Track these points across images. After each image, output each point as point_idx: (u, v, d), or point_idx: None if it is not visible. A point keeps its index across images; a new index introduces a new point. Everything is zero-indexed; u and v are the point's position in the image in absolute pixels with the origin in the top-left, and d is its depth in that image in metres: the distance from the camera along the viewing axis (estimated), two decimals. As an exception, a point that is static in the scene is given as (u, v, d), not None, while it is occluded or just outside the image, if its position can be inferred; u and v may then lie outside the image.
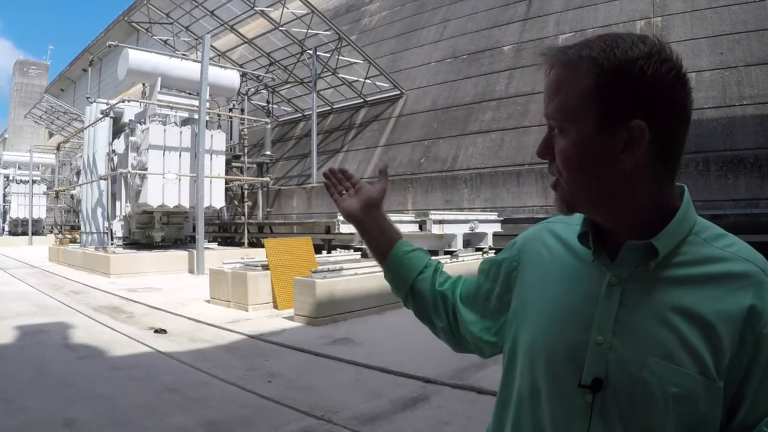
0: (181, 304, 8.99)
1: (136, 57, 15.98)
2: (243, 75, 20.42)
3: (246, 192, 20.10)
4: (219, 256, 13.65)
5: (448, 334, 1.18)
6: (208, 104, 15.68)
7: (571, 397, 0.87)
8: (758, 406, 0.82)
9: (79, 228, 20.88)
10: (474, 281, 1.16)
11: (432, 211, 11.48)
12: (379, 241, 1.24)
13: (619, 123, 0.83)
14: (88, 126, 18.16)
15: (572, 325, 0.90)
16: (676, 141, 0.86)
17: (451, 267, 9.58)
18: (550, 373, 0.91)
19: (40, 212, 35.11)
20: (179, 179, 15.43)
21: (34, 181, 33.51)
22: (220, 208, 18.53)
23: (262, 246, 9.76)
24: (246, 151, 20.49)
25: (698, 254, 0.87)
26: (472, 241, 11.46)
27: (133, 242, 16.64)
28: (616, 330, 0.86)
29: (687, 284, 0.85)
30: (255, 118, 20.94)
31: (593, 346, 0.87)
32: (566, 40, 14.34)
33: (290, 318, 7.62)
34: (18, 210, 34.74)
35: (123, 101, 17.43)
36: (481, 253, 11.25)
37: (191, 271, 14.28)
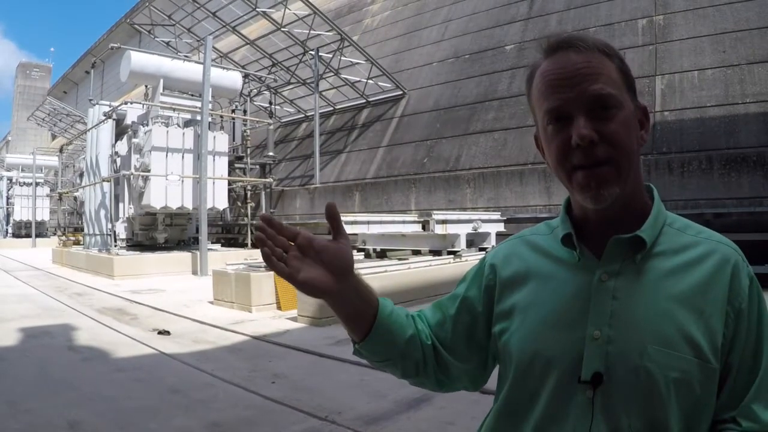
0: (184, 306, 9.00)
1: (139, 59, 16.01)
2: (245, 76, 20.44)
3: (249, 193, 20.12)
4: (222, 258, 13.68)
5: (433, 384, 1.09)
6: (210, 105, 15.71)
7: (571, 395, 0.88)
8: (741, 377, 0.87)
9: (82, 230, 20.91)
10: (443, 320, 1.07)
11: (435, 211, 11.48)
12: (360, 313, 0.97)
13: (636, 104, 0.92)
14: (91, 128, 18.20)
15: (566, 325, 0.91)
16: None
17: (454, 267, 9.58)
18: (548, 374, 0.91)
19: (43, 214, 35.25)
20: (182, 181, 15.44)
21: (37, 184, 33.64)
22: (223, 210, 18.54)
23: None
24: (249, 152, 20.50)
25: (676, 243, 0.92)
26: (475, 241, 11.45)
27: (136, 244, 16.66)
28: (612, 323, 0.88)
29: (673, 273, 0.89)
30: (257, 119, 20.97)
31: (590, 342, 0.88)
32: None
33: (294, 319, 7.62)
34: (21, 212, 34.88)
35: (125, 103, 17.46)
36: (484, 252, 11.24)
37: (194, 273, 14.29)
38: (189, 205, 15.59)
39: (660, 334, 0.85)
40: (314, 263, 0.89)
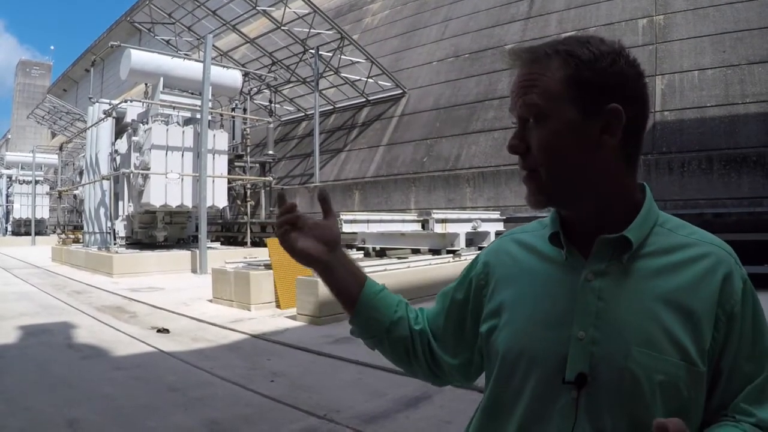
0: (183, 304, 9.00)
1: (139, 57, 15.99)
2: (245, 74, 20.41)
3: (248, 191, 20.11)
4: (222, 256, 13.66)
5: (427, 373, 1.14)
6: (210, 104, 15.70)
7: (555, 395, 0.88)
8: (733, 380, 0.87)
9: (81, 228, 20.90)
10: (439, 312, 1.13)
11: (435, 211, 11.47)
12: (348, 285, 1.09)
13: (597, 108, 0.87)
14: (91, 126, 18.18)
15: (551, 324, 0.91)
16: (639, 134, 0.92)
17: (453, 266, 9.58)
18: (532, 374, 0.92)
19: (43, 212, 35.19)
20: (182, 179, 15.44)
21: (37, 182, 33.59)
22: (223, 208, 18.53)
23: (265, 245, 9.77)
24: (248, 150, 20.51)
25: (666, 243, 0.91)
26: (474, 240, 11.45)
27: (135, 242, 16.65)
28: (597, 324, 0.88)
29: (661, 273, 0.88)
30: (257, 118, 20.96)
31: (575, 342, 0.88)
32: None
33: (293, 317, 7.62)
34: (21, 210, 34.84)
35: (125, 101, 17.45)
36: (483, 252, 11.22)
37: (194, 271, 14.29)
38: (188, 203, 15.59)
39: (645, 335, 0.84)
40: (307, 237, 1.04)
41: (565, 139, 0.88)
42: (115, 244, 15.84)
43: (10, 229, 36.12)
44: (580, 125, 0.88)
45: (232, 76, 18.23)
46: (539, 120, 0.89)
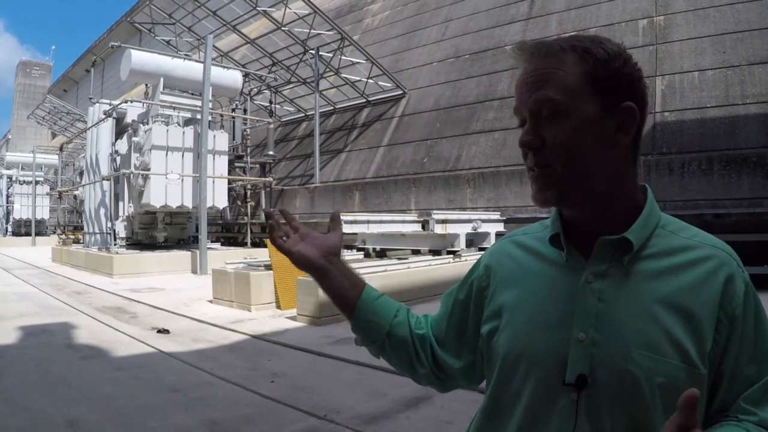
0: (184, 305, 9.00)
1: (139, 57, 16.00)
2: (245, 75, 20.42)
3: (249, 192, 20.12)
4: (222, 257, 13.66)
5: (432, 379, 1.14)
6: (210, 104, 15.69)
7: (555, 396, 0.88)
8: (735, 383, 0.86)
9: (82, 228, 20.90)
10: (442, 316, 1.13)
11: (435, 211, 11.48)
12: (346, 290, 1.10)
13: (613, 106, 0.87)
14: (91, 126, 18.19)
15: (552, 325, 0.91)
16: (640, 135, 0.92)
17: (453, 266, 9.58)
18: (532, 375, 0.91)
19: (43, 213, 35.25)
20: (182, 179, 15.44)
21: (37, 182, 33.62)
22: (223, 209, 18.53)
23: (265, 246, 9.76)
24: (249, 151, 20.51)
25: (667, 245, 0.90)
26: (474, 241, 11.45)
27: (136, 242, 16.66)
28: (597, 326, 0.87)
29: (662, 275, 0.88)
30: (258, 118, 20.95)
31: (575, 344, 0.87)
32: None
33: (293, 318, 7.62)
34: (21, 211, 34.89)
35: (126, 102, 17.46)
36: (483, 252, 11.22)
37: (194, 272, 14.29)
38: (189, 203, 15.59)
39: (645, 337, 0.84)
40: (308, 244, 1.11)
41: (584, 136, 0.87)
42: (115, 244, 15.84)
43: (10, 229, 36.16)
44: (598, 122, 0.87)
45: (233, 77, 18.24)
46: (555, 115, 0.88)
